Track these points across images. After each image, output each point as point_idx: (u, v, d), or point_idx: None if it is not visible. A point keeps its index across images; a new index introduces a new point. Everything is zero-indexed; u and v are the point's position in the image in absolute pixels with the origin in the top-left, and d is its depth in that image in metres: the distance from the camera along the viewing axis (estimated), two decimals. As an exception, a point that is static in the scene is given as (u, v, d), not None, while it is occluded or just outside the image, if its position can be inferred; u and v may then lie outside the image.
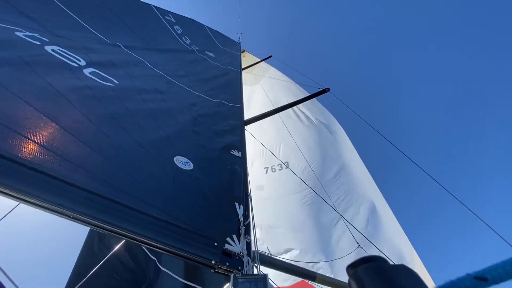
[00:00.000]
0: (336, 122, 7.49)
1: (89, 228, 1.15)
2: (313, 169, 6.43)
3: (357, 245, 4.49)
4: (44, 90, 1.52)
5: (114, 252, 2.94)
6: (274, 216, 6.09)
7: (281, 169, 6.80)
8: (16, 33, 1.71)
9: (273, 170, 6.89)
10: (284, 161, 6.87)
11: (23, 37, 1.71)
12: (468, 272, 0.39)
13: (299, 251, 5.19)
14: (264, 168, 7.01)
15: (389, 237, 4.93)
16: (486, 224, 2.30)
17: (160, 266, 2.97)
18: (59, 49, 1.87)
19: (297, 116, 7.86)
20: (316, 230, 5.59)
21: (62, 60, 1.81)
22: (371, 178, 6.10)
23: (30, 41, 1.73)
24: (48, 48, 1.80)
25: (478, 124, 19.70)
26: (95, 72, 1.97)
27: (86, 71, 1.91)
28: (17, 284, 1.12)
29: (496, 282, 0.37)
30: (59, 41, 1.99)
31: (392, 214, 5.33)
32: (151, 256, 3.03)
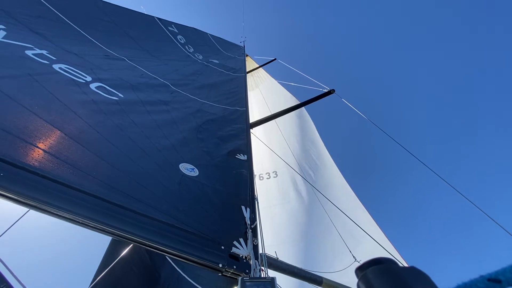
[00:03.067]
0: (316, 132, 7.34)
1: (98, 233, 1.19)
2: (304, 176, 6.22)
3: (354, 259, 4.40)
4: (53, 104, 1.60)
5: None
6: (264, 228, 5.90)
7: (269, 177, 6.54)
8: (26, 51, 1.81)
9: (261, 178, 6.62)
10: (273, 169, 6.64)
11: (32, 56, 1.81)
12: (481, 274, 0.38)
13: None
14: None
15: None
16: (501, 226, 2.22)
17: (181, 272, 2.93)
18: (66, 67, 1.96)
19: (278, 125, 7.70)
20: (307, 242, 5.46)
21: (69, 77, 1.90)
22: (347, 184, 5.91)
23: (39, 60, 1.83)
24: (56, 66, 1.90)
25: (482, 122, 19.18)
26: (101, 86, 2.06)
27: (92, 86, 1.99)
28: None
29: (510, 284, 0.35)
30: (66, 58, 2.09)
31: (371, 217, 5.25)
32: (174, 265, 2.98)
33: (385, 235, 4.94)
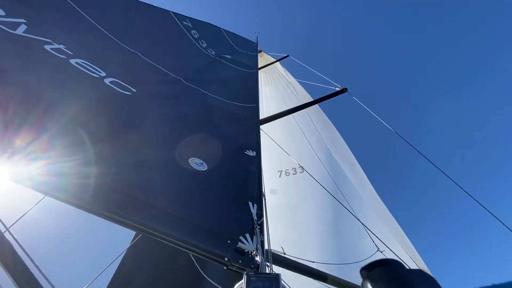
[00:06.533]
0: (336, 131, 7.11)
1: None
2: (329, 173, 5.98)
3: (377, 249, 4.30)
4: (70, 97, 1.67)
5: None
6: (290, 228, 5.70)
7: (295, 173, 6.31)
8: (45, 46, 1.88)
9: (287, 174, 6.43)
10: (298, 164, 6.33)
11: (51, 51, 1.88)
12: (493, 283, 0.39)
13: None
14: (278, 171, 6.55)
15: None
16: (508, 228, 2.13)
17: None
18: (82, 62, 2.03)
19: (310, 118, 7.44)
20: (336, 242, 5.33)
21: (85, 72, 1.97)
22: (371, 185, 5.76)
23: (57, 55, 1.90)
24: (73, 61, 1.97)
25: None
26: (114, 81, 2.12)
27: (107, 81, 2.06)
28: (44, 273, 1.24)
29: None
30: (82, 53, 2.15)
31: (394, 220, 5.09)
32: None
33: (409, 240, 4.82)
